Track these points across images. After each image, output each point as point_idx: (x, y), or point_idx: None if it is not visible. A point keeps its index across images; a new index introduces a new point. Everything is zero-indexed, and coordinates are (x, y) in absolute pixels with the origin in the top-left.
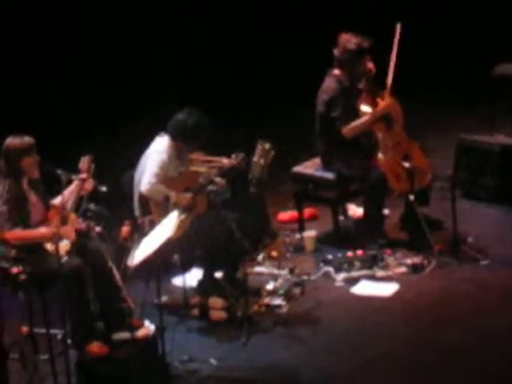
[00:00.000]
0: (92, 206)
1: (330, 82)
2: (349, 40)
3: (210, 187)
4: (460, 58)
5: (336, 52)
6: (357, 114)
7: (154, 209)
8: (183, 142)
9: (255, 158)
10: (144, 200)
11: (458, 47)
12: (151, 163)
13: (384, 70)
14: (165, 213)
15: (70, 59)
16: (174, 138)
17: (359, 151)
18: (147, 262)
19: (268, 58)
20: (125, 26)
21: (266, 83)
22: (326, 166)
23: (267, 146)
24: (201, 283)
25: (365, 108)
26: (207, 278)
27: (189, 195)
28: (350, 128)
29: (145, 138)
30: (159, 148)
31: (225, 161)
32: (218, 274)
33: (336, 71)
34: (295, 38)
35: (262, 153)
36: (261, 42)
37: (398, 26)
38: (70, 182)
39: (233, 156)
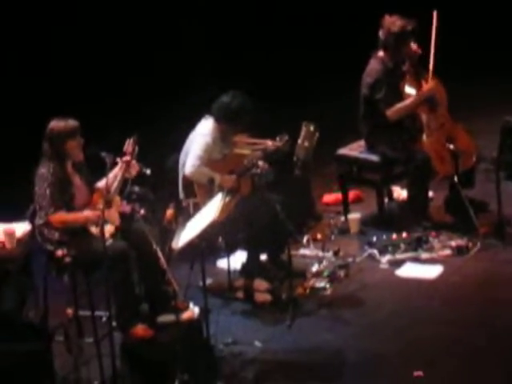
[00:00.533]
0: (137, 189)
1: (375, 64)
2: (393, 22)
3: (254, 170)
4: (507, 40)
5: (380, 34)
6: (401, 96)
7: (199, 191)
8: (227, 125)
9: (300, 141)
10: (188, 183)
11: (507, 28)
12: (196, 146)
13: (427, 52)
14: (209, 195)
15: (115, 42)
16: (219, 120)
17: (403, 133)
18: (192, 245)
19: (313, 40)
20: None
21: (311, 64)
22: (371, 148)
23: (312, 128)
24: (245, 266)
25: (409, 90)
26: (252, 261)
27: (233, 177)
28: (394, 110)
29: (190, 121)
30: (204, 130)
31: (269, 143)
32: (263, 257)
33: (380, 53)
34: (340, 20)
35: (306, 135)
36: (305, 24)
37: (435, 14)
38: (114, 164)
39: (277, 138)
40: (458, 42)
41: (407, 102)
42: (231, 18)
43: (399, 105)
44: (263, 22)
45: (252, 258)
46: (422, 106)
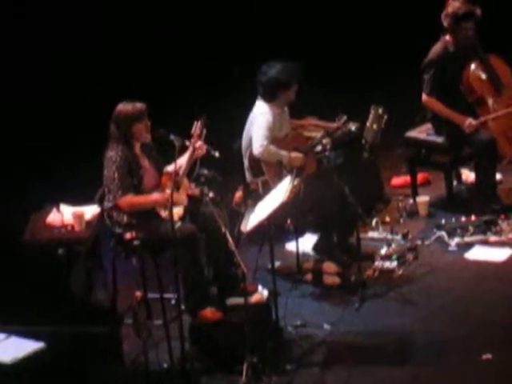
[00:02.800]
0: (205, 172)
1: (437, 46)
2: (451, 5)
3: (318, 147)
4: None
5: (442, 16)
6: (462, 80)
7: (267, 169)
8: (279, 93)
9: (368, 123)
10: (255, 163)
11: None
12: (258, 125)
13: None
14: (278, 173)
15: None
16: (266, 95)
17: (463, 113)
18: (260, 227)
19: (382, 21)
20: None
21: (379, 47)
22: (437, 130)
23: (380, 110)
24: (315, 248)
25: (478, 72)
26: (321, 243)
27: (301, 155)
28: (430, 102)
29: (249, 103)
30: (262, 110)
31: (333, 125)
32: (332, 239)
33: (447, 37)
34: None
35: (375, 118)
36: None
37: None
38: (183, 147)
39: (336, 119)
40: None
41: (447, 111)
42: None
43: (438, 104)
44: None
45: (321, 241)
46: (488, 88)
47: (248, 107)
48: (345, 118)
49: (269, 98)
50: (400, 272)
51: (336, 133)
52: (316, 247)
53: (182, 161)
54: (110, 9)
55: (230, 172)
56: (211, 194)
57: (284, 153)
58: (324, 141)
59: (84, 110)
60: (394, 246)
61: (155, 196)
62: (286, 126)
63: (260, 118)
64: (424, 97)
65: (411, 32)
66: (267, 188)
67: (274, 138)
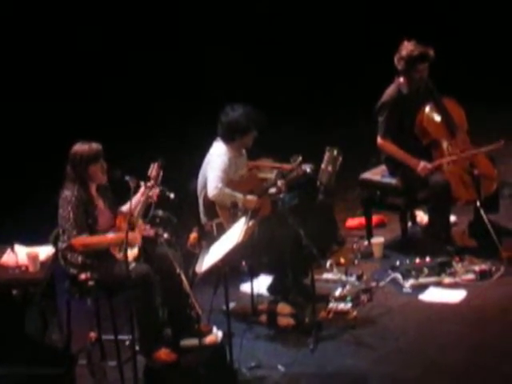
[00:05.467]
0: (160, 213)
1: (390, 88)
2: (405, 47)
3: (271, 189)
4: None
5: (395, 59)
6: (415, 122)
7: (221, 212)
8: (237, 137)
9: (323, 165)
10: (210, 204)
11: None
12: (214, 167)
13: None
14: (232, 216)
15: (132, 71)
16: (225, 136)
17: (418, 155)
18: (215, 269)
19: (338, 65)
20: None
21: (334, 90)
22: (392, 172)
23: (335, 152)
24: (269, 289)
25: (432, 115)
26: (275, 285)
27: (255, 197)
28: (386, 146)
29: (207, 144)
30: (218, 151)
31: (287, 166)
32: (286, 281)
33: (400, 79)
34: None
35: (329, 159)
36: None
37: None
38: (138, 188)
39: (291, 160)
40: (477, 66)
41: (401, 154)
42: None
43: (392, 146)
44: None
45: (276, 282)
46: (442, 131)
47: (205, 148)
48: (300, 159)
49: (226, 140)
50: (354, 313)
51: (291, 174)
52: (271, 289)
53: (137, 201)
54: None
55: (184, 213)
56: (166, 235)
57: (239, 195)
58: (278, 183)
59: (39, 150)
60: (348, 287)
61: (110, 236)
62: (242, 167)
63: (216, 160)
64: (378, 139)
65: (363, 75)
66: (221, 230)
67: (229, 180)
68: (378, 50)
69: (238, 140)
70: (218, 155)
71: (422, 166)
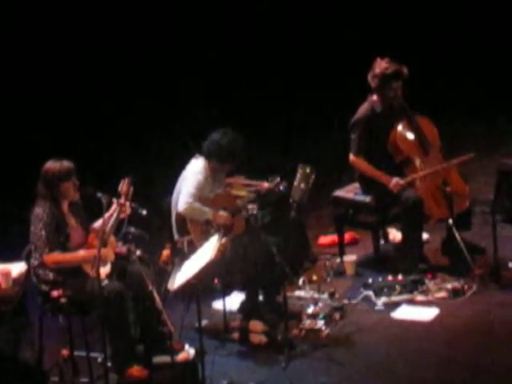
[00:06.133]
0: (132, 230)
1: (364, 106)
2: (378, 65)
3: (245, 212)
4: (502, 83)
5: (369, 77)
6: (388, 139)
7: (192, 229)
8: (218, 163)
9: (296, 183)
10: (182, 221)
11: (501, 72)
12: (187, 184)
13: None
14: (203, 232)
15: (108, 86)
16: (209, 158)
17: (391, 173)
18: (187, 286)
19: (311, 82)
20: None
21: (309, 107)
22: (364, 189)
23: (308, 170)
24: (241, 307)
25: (405, 132)
26: (248, 302)
27: (226, 213)
28: (358, 163)
29: (185, 161)
30: (195, 169)
31: (264, 185)
32: (259, 298)
33: (374, 97)
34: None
35: (302, 177)
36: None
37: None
38: (110, 205)
39: (269, 179)
40: (455, 82)
41: (374, 171)
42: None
43: (364, 163)
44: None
45: (248, 300)
46: (415, 148)
47: (180, 165)
48: (278, 179)
49: (206, 157)
50: (327, 331)
51: (265, 192)
52: (242, 308)
53: (109, 218)
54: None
55: (156, 230)
56: (138, 252)
57: (207, 209)
58: (250, 206)
59: (12, 167)
60: (320, 305)
61: (82, 253)
62: (220, 186)
63: (191, 177)
64: (351, 157)
65: (337, 93)
66: (192, 247)
67: (204, 199)
68: (348, 70)
69: (214, 164)
70: (193, 173)
71: (395, 182)
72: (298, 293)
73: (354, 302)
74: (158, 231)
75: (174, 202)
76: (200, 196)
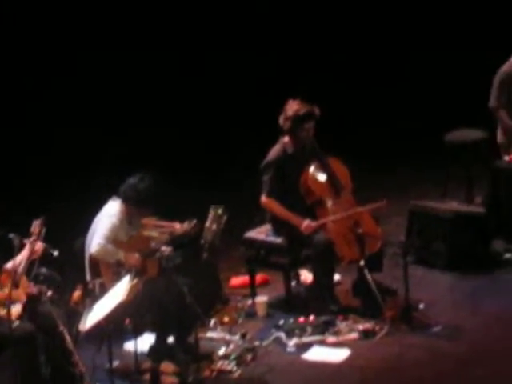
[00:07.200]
0: (43, 270)
1: (275, 148)
2: (290, 107)
3: (159, 253)
4: (413, 124)
5: (280, 120)
6: (299, 182)
7: (104, 271)
8: (134, 207)
9: (207, 224)
10: (94, 263)
11: (413, 113)
12: (102, 226)
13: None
14: (115, 275)
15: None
16: (126, 202)
17: (303, 214)
18: (99, 327)
19: (225, 121)
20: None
21: (219, 148)
22: (276, 231)
23: (220, 211)
24: (152, 348)
25: (317, 174)
26: (159, 343)
27: (137, 255)
28: (268, 205)
29: (99, 203)
30: (110, 211)
31: (177, 226)
32: (170, 339)
33: (285, 138)
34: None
35: (214, 218)
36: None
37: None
38: (22, 246)
39: (186, 222)
40: (364, 124)
41: (285, 213)
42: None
43: (276, 205)
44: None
45: (159, 341)
46: (327, 190)
47: (95, 207)
48: (194, 221)
49: (122, 201)
50: (238, 372)
51: (179, 234)
52: (151, 352)
53: (21, 259)
54: None
55: (68, 271)
56: (49, 293)
57: (119, 251)
58: (164, 248)
59: None
60: (232, 346)
61: None
62: (136, 228)
63: (106, 220)
64: (263, 198)
65: (250, 134)
66: (103, 290)
67: (119, 242)
68: (259, 111)
69: (137, 209)
70: (109, 215)
71: (306, 224)
72: (209, 334)
73: (265, 343)
74: (70, 272)
75: (88, 244)
76: (114, 239)
